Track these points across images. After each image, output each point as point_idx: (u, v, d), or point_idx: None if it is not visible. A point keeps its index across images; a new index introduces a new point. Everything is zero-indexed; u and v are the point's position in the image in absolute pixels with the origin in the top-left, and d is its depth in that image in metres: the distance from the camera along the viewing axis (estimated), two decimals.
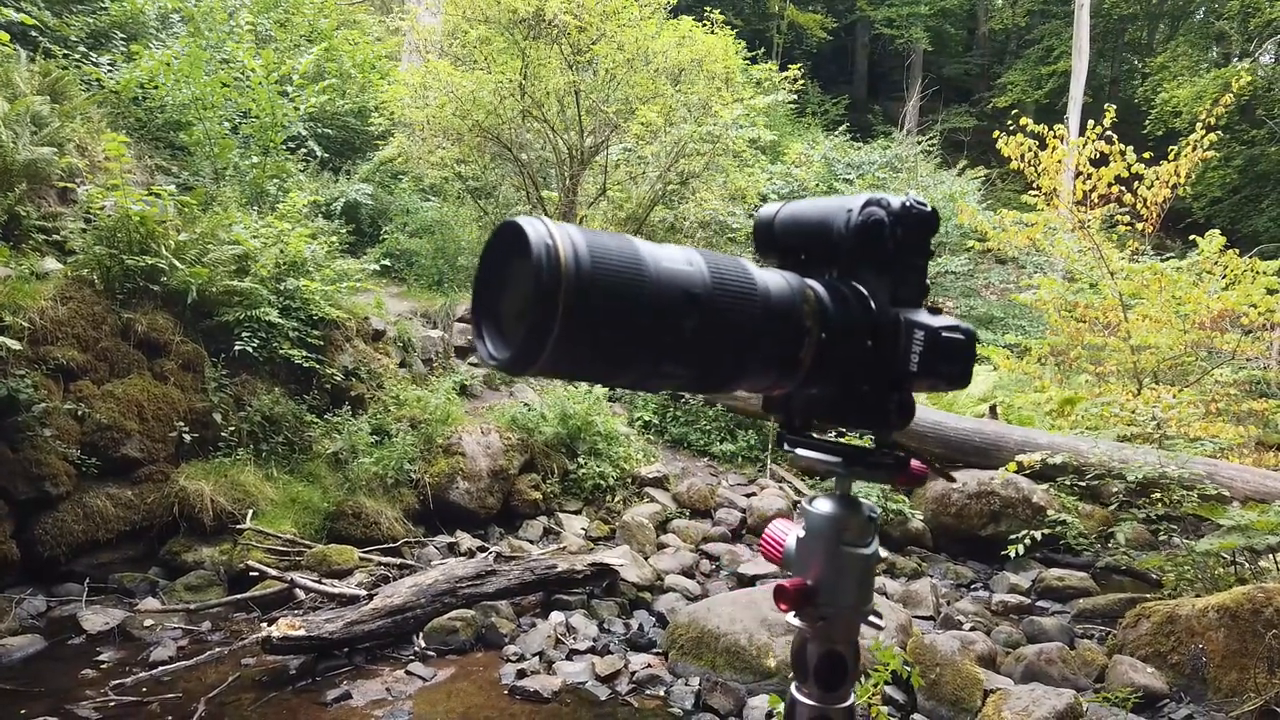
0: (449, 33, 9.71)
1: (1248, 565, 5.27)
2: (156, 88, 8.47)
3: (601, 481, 7.18)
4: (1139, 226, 9.82)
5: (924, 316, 0.73)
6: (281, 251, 6.67)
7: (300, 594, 5.20)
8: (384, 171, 11.16)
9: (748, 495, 7.50)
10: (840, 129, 19.83)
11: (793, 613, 0.78)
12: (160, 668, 4.33)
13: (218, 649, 4.53)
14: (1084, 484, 6.51)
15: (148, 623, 4.87)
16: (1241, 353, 9.77)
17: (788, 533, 0.83)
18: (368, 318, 7.50)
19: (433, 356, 8.15)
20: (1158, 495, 5.86)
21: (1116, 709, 3.86)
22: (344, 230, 8.91)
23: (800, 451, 0.81)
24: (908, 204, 0.74)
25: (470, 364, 8.56)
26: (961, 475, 7.00)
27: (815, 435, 0.81)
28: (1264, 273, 9.32)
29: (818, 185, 12.98)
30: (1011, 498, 6.73)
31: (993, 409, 8.63)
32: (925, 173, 16.54)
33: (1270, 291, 9.21)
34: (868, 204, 0.74)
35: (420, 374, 7.84)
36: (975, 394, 9.71)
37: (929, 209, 0.75)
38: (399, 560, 5.81)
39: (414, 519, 6.40)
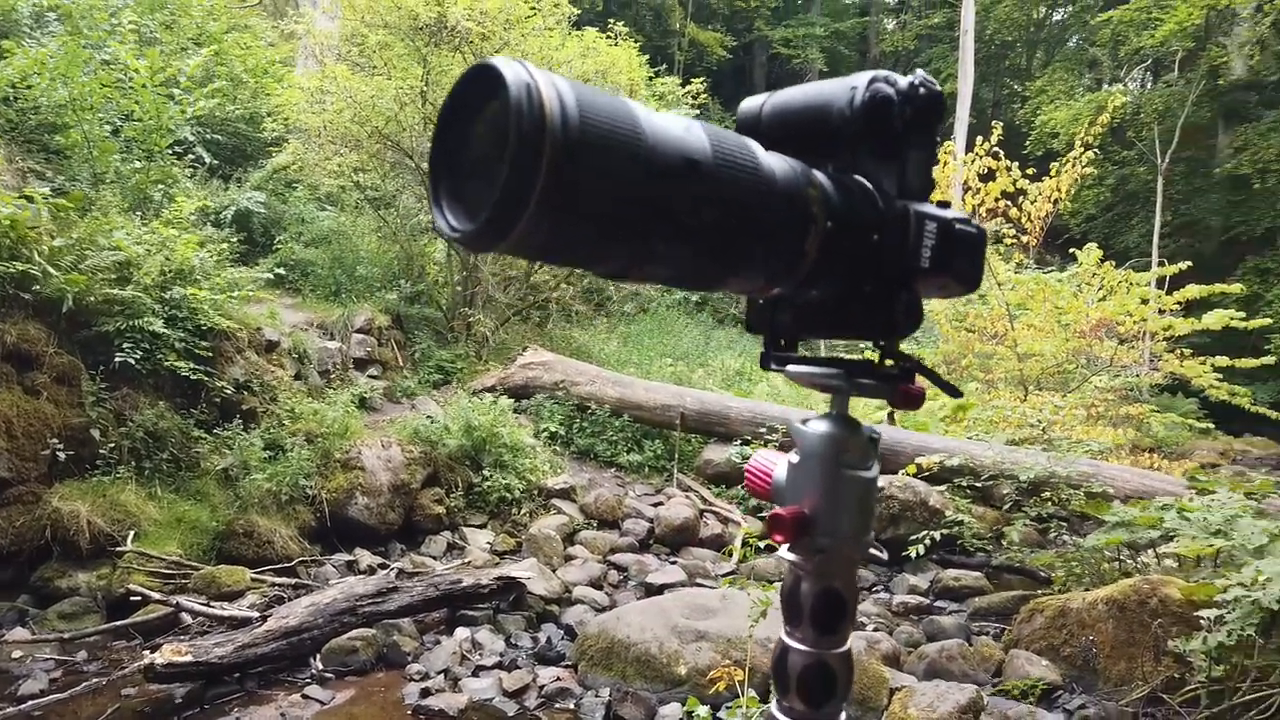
0: (347, 37, 9.46)
1: (1131, 560, 5.52)
2: (30, 87, 7.98)
3: (507, 494, 7.06)
4: (1024, 239, 10.29)
5: (933, 209, 0.68)
6: (167, 259, 6.35)
7: (187, 618, 4.93)
8: (278, 180, 10.78)
9: (655, 505, 7.49)
10: None
11: (787, 545, 0.72)
12: (31, 702, 4.03)
13: (95, 680, 4.24)
14: (979, 485, 6.73)
15: (16, 654, 4.53)
16: (1118, 360, 10.31)
17: (776, 462, 0.76)
18: (260, 328, 7.21)
19: (330, 368, 7.89)
20: (1047, 495, 6.10)
21: (1018, 702, 3.98)
22: (235, 239, 8.55)
23: (792, 369, 0.74)
24: (916, 82, 0.68)
25: (369, 377, 8.32)
26: None
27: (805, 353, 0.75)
28: (1137, 284, 9.88)
29: None
30: (909, 501, 6.89)
31: (890, 415, 8.86)
32: None
33: (1143, 301, 9.76)
34: (874, 81, 0.69)
35: (317, 386, 7.57)
36: (871, 402, 9.95)
37: (937, 88, 0.69)
38: (294, 580, 5.58)
39: (310, 537, 6.16)
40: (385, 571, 5.61)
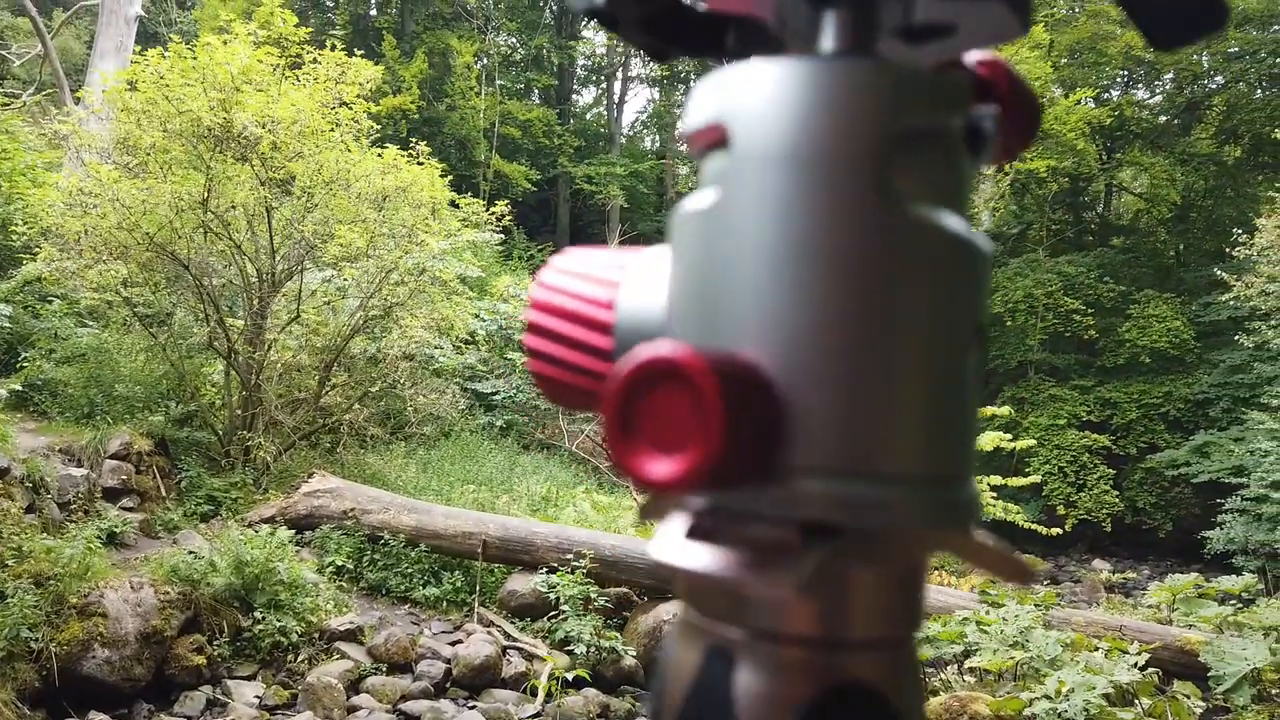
0: (119, 140, 8.76)
1: (935, 676, 5.54)
2: None
3: (283, 638, 6.25)
4: None
5: None
6: None
7: None
8: (30, 292, 9.65)
9: (453, 643, 6.88)
10: None
11: (684, 485, 0.27)
12: None
13: None
14: None
15: None
16: None
17: (615, 259, 0.33)
18: None
19: (72, 499, 6.86)
20: None
21: None
22: None
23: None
24: None
25: (123, 508, 7.31)
26: (672, 606, 6.90)
27: None
28: None
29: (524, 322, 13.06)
30: None
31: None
32: None
33: None
34: None
35: (54, 520, 6.54)
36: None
37: None
38: None
39: (32, 701, 5.15)
40: None
